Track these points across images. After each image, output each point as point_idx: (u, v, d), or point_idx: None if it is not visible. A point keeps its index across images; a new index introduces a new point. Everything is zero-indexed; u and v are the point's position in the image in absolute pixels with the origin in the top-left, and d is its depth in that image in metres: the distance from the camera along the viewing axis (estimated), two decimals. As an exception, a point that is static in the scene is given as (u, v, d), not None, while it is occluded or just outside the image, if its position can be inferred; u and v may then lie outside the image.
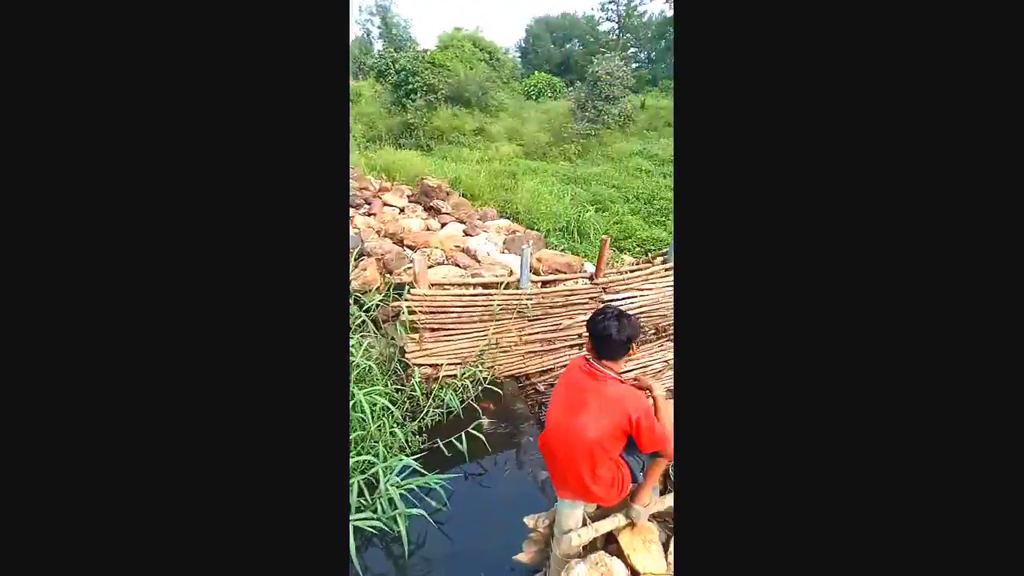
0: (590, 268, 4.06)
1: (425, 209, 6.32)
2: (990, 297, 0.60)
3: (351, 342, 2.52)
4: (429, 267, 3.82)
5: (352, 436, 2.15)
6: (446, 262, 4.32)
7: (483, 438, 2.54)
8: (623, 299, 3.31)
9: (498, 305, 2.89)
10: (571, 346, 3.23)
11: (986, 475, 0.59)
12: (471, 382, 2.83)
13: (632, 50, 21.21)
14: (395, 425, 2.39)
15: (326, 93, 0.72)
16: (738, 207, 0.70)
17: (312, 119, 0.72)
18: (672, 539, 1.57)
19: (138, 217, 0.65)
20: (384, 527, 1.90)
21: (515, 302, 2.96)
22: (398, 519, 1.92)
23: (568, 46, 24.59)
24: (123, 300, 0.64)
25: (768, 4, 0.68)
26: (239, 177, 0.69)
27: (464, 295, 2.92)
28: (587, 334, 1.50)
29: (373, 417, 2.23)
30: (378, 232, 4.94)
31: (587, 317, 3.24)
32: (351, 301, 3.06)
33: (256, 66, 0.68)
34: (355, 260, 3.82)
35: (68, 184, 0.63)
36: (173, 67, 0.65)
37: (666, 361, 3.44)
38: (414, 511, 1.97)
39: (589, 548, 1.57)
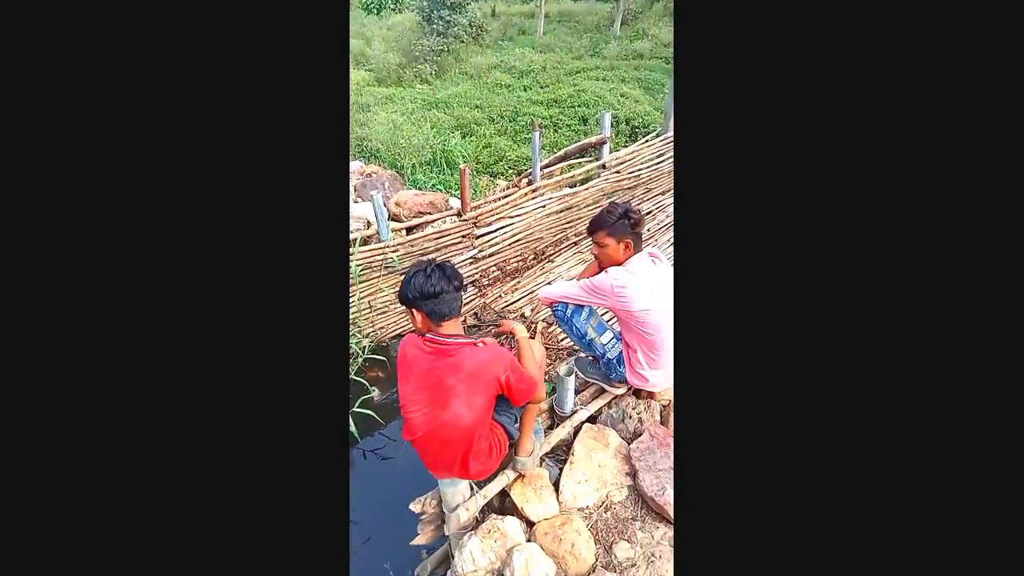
0: (456, 204, 3.81)
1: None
2: (990, 296, 0.59)
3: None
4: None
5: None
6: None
7: (373, 414, 2.35)
8: (497, 230, 3.16)
9: (358, 265, 2.56)
10: (453, 290, 3.06)
11: (986, 473, 0.58)
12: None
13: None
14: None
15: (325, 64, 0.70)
16: (738, 208, 0.68)
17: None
18: (562, 471, 1.56)
19: (134, 203, 0.63)
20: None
21: (379, 257, 2.66)
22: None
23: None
24: (122, 295, 0.63)
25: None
26: (232, 168, 0.67)
27: (317, 262, 2.54)
28: (408, 307, 1.26)
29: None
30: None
31: (463, 257, 3.09)
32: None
33: (240, 54, 0.66)
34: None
35: (67, 172, 0.61)
36: (173, 65, 0.64)
37: (549, 282, 3.44)
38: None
39: (483, 514, 1.51)
